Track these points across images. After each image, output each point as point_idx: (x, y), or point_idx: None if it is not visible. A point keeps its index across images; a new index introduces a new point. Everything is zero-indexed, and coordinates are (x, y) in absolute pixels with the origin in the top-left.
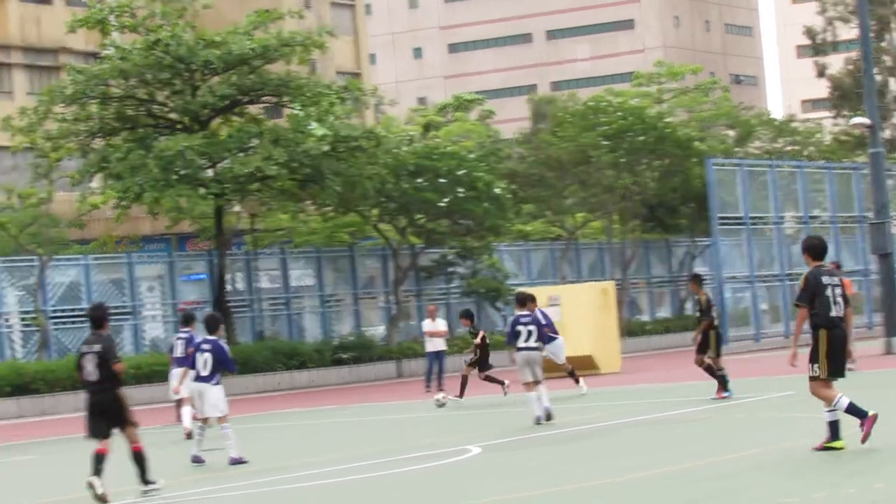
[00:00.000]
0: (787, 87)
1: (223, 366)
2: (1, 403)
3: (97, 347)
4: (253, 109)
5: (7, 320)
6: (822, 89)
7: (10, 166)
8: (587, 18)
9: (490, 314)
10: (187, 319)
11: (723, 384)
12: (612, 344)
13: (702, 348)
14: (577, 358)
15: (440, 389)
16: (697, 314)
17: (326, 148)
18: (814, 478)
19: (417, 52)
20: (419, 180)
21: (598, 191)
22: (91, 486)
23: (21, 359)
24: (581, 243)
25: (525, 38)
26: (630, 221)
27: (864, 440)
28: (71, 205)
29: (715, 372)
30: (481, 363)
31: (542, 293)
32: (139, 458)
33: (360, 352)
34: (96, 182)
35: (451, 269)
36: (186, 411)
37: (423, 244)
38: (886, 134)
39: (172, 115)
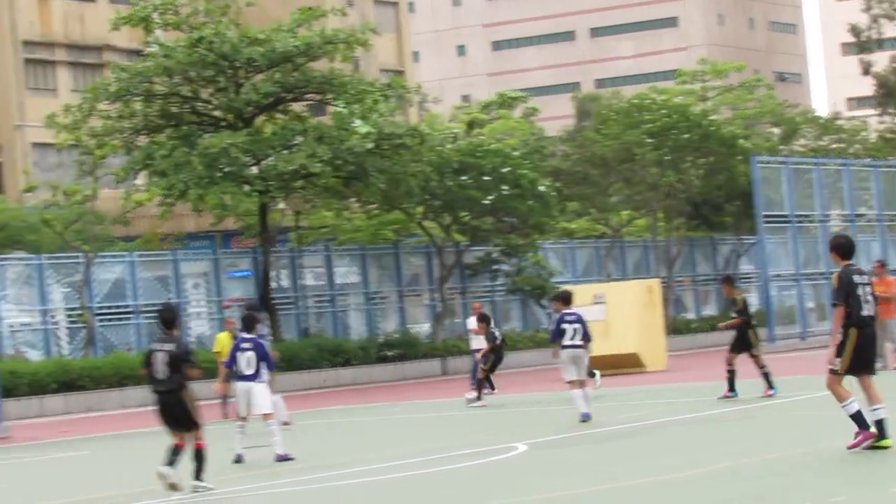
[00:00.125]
0: (831, 84)
1: (265, 363)
2: (47, 400)
3: (169, 346)
4: (297, 107)
5: (53, 317)
6: (867, 87)
7: (55, 163)
8: (631, 16)
9: (535, 312)
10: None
11: (768, 381)
12: (658, 342)
13: (738, 348)
14: (622, 356)
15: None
16: (734, 315)
17: (370, 145)
18: (859, 477)
19: (461, 50)
20: (463, 178)
21: (643, 188)
22: (161, 475)
23: (67, 355)
24: (626, 241)
25: (569, 36)
26: (675, 219)
27: (849, 447)
28: (116, 202)
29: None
30: (494, 364)
31: (586, 291)
32: (199, 456)
33: (404, 349)
34: (141, 179)
35: (495, 267)
36: (277, 400)
37: (467, 242)
38: None
39: (216, 113)
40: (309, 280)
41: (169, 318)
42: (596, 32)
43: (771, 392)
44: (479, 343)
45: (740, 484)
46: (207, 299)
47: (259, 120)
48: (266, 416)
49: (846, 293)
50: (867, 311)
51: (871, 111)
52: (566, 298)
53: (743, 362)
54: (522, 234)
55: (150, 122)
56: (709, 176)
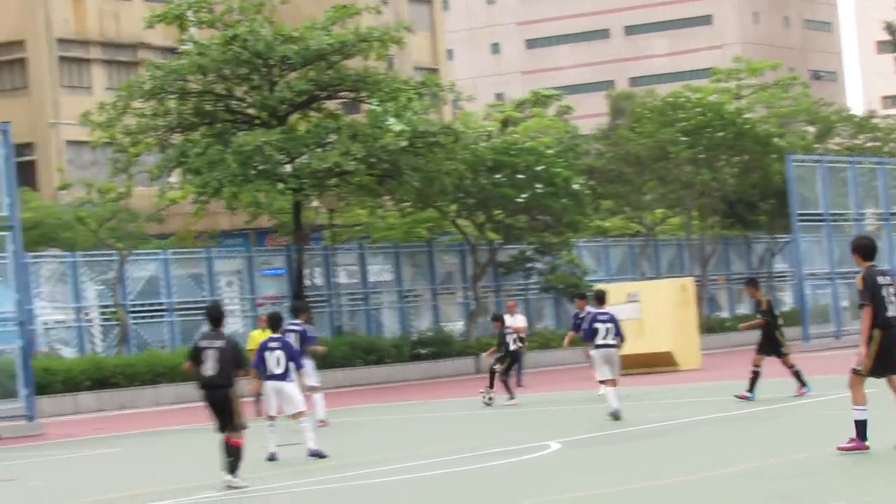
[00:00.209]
0: (867, 82)
1: (294, 361)
2: (81, 397)
3: (220, 344)
4: (331, 105)
5: (87, 314)
6: None
7: (89, 161)
8: (665, 14)
9: (568, 310)
10: (297, 311)
11: (800, 380)
12: (692, 340)
13: (765, 350)
14: (656, 354)
15: (519, 385)
16: (759, 316)
17: (404, 143)
18: (889, 477)
19: (495, 48)
20: (497, 176)
21: (677, 187)
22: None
23: (101, 353)
24: (660, 239)
25: (603, 34)
26: (709, 218)
27: (838, 448)
28: (150, 199)
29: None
30: (510, 366)
31: (620, 289)
32: (233, 452)
33: (438, 347)
34: (175, 177)
35: (529, 265)
36: (318, 399)
37: (501, 240)
38: None
39: (250, 111)
40: (342, 278)
41: (217, 316)
42: (630, 30)
43: (804, 390)
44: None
45: (769, 483)
46: (241, 297)
47: (293, 118)
48: (297, 415)
49: (871, 293)
50: (892, 311)
51: None
52: (600, 297)
53: (771, 363)
54: (556, 232)
55: (185, 120)
56: (743, 174)
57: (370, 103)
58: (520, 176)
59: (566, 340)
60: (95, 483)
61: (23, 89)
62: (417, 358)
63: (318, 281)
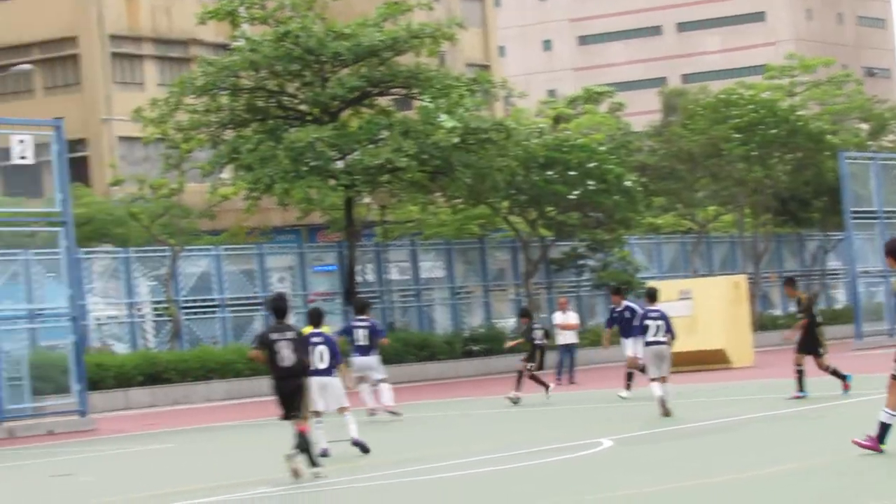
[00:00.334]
0: None
1: (335, 358)
2: (134, 393)
3: (291, 335)
4: (382, 101)
5: (139, 310)
6: None
7: (141, 157)
8: (718, 11)
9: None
10: (363, 307)
11: (840, 376)
12: (745, 338)
13: (806, 348)
14: (708, 352)
15: (571, 382)
16: (800, 315)
17: (456, 140)
18: None
19: (547, 45)
20: (549, 172)
21: (730, 184)
22: (293, 472)
23: (153, 348)
24: (712, 236)
25: (656, 31)
26: (762, 215)
27: (853, 441)
28: (202, 195)
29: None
30: (540, 359)
31: (673, 287)
32: (303, 438)
33: (490, 344)
34: (227, 173)
35: (581, 262)
36: (365, 390)
37: (553, 236)
38: None
39: (302, 107)
40: (394, 274)
41: (283, 308)
42: (683, 27)
43: (849, 384)
44: (565, 338)
45: (816, 483)
46: (293, 293)
47: (345, 114)
48: (341, 409)
49: None
50: None
51: None
52: (651, 295)
53: (810, 361)
54: (608, 229)
55: (237, 116)
56: (796, 171)
57: (422, 100)
58: (572, 173)
59: (605, 340)
60: (147, 478)
61: (75, 85)
62: (469, 355)
63: (370, 277)
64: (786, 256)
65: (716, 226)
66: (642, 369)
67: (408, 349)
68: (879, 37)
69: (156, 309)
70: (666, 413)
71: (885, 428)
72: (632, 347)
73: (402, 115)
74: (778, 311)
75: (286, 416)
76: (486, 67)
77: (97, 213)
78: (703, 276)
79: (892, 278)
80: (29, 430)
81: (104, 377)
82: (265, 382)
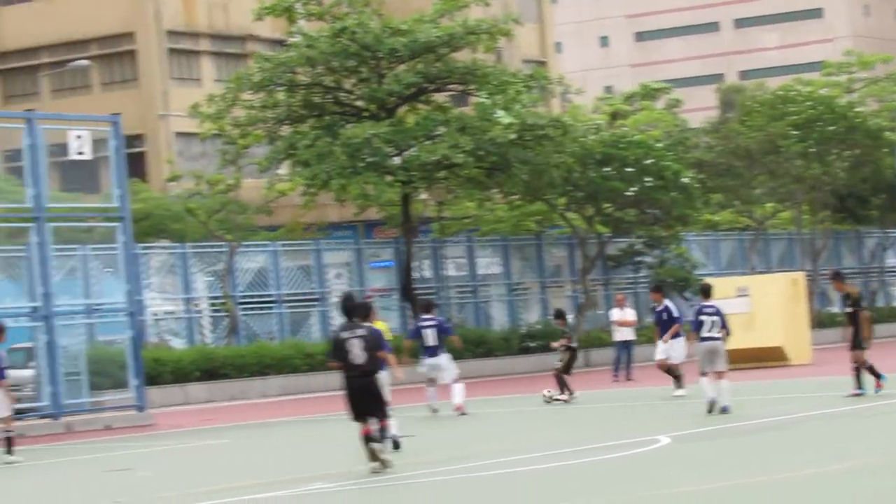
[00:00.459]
0: None
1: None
2: (191, 388)
3: (362, 332)
4: (439, 97)
5: (196, 305)
6: None
7: (198, 153)
8: (776, 7)
9: (678, 304)
10: (428, 307)
11: (875, 373)
12: (803, 335)
13: (858, 343)
14: (766, 349)
15: (628, 379)
16: (849, 311)
17: (513, 136)
18: None
19: (604, 41)
20: (606, 169)
21: (787, 181)
22: (381, 462)
23: (210, 344)
24: (770, 233)
25: (713, 27)
26: (820, 212)
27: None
28: (259, 191)
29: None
30: (569, 364)
31: (730, 284)
32: (382, 434)
33: (547, 340)
34: (284, 169)
35: (638, 259)
36: (433, 389)
37: (610, 233)
38: None
39: (359, 103)
40: (451, 271)
41: (352, 307)
42: (740, 23)
43: (882, 383)
44: (622, 335)
45: (872, 481)
46: (349, 289)
47: (401, 110)
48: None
49: None
50: None
51: None
52: (705, 291)
53: (879, 355)
54: (665, 225)
55: (293, 112)
56: (854, 168)
57: (479, 96)
58: (629, 169)
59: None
60: (204, 474)
61: (132, 81)
62: (526, 351)
63: (427, 273)
64: (844, 254)
65: (773, 223)
66: (668, 371)
67: (464, 346)
68: None
69: (213, 304)
70: (722, 410)
71: None
72: (663, 350)
73: (459, 112)
74: (836, 309)
75: (356, 418)
76: (542, 63)
77: (154, 209)
78: (761, 273)
79: None
80: (86, 425)
81: (161, 372)
82: (321, 378)
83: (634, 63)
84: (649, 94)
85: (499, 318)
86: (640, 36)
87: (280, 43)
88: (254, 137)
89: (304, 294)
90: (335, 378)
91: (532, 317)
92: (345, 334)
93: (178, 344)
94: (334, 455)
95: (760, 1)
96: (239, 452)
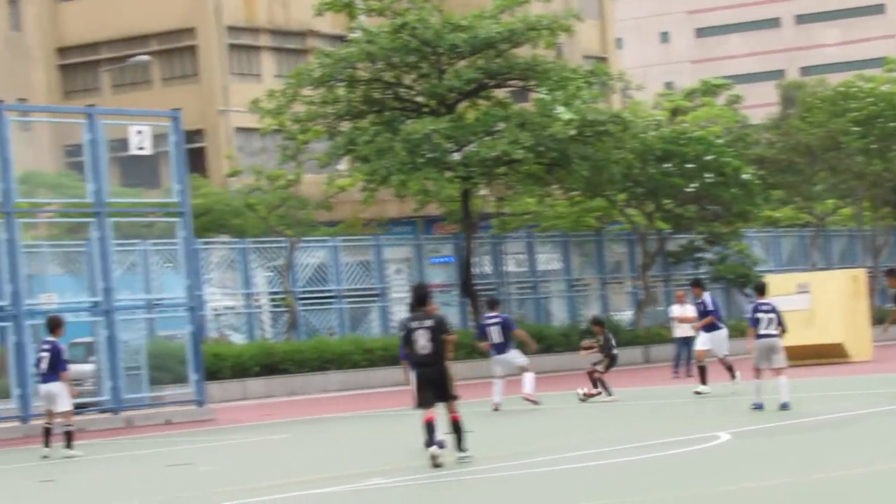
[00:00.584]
0: None
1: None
2: (250, 383)
3: (429, 323)
4: (499, 93)
5: (256, 300)
6: None
7: (259, 148)
8: (837, 3)
9: (739, 301)
10: (493, 304)
11: None
12: (863, 332)
13: None
14: (826, 346)
15: (689, 375)
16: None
17: (573, 132)
18: None
19: (664, 37)
20: (666, 165)
21: (848, 177)
22: (433, 456)
23: (270, 339)
24: (831, 230)
25: (774, 23)
26: (881, 208)
27: None
28: (319, 187)
29: None
30: (609, 366)
31: (790, 280)
32: (457, 427)
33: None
34: (344, 164)
35: (698, 255)
36: (499, 385)
37: (670, 229)
38: None
39: (419, 99)
40: (511, 266)
41: (423, 296)
42: (801, 19)
43: None
44: (682, 331)
45: None
46: (409, 284)
47: (461, 106)
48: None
49: None
50: None
51: None
52: (760, 288)
53: None
54: (726, 222)
55: (353, 108)
56: None
57: (539, 92)
58: (689, 165)
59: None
60: (264, 468)
61: (193, 76)
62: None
63: (487, 269)
64: None
65: (834, 219)
66: (702, 368)
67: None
68: None
69: (273, 300)
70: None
71: None
72: (703, 342)
73: (519, 107)
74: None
75: (421, 404)
76: (603, 59)
77: (215, 204)
78: (822, 269)
79: None
80: (147, 420)
81: (221, 367)
82: (381, 374)
83: (695, 59)
84: (710, 90)
85: (558, 314)
86: (701, 32)
87: (340, 38)
88: (314, 133)
89: (364, 290)
90: (395, 374)
91: (591, 313)
92: (413, 324)
93: (237, 339)
94: (393, 451)
95: None
96: (298, 448)
